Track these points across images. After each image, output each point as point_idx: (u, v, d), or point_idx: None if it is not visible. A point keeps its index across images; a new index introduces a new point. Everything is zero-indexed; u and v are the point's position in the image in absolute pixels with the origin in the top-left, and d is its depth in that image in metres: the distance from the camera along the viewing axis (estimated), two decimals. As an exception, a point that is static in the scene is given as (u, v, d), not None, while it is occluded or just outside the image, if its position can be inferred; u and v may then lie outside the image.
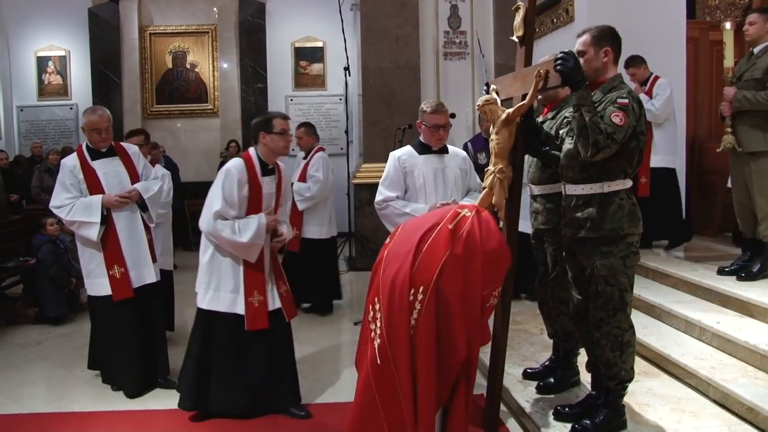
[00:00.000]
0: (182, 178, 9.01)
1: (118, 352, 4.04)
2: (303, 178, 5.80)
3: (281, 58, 10.67)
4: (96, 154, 4.06)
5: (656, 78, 5.70)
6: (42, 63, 10.64)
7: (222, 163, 9.46)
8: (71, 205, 3.94)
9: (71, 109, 10.64)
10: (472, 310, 2.73)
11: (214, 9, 10.49)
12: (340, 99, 10.34)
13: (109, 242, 3.96)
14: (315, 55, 10.76)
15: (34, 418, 3.74)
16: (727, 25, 4.51)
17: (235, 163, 3.56)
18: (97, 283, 3.99)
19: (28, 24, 10.49)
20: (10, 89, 10.57)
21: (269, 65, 10.49)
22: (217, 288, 3.54)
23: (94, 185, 4.00)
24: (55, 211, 4.05)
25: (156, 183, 4.22)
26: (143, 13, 10.41)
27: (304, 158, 5.94)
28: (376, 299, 2.79)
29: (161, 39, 10.51)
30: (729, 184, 4.94)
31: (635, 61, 5.66)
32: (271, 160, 3.65)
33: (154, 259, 4.12)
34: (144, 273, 4.05)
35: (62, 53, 10.65)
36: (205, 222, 3.49)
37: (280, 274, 3.75)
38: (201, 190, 5.57)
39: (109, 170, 4.06)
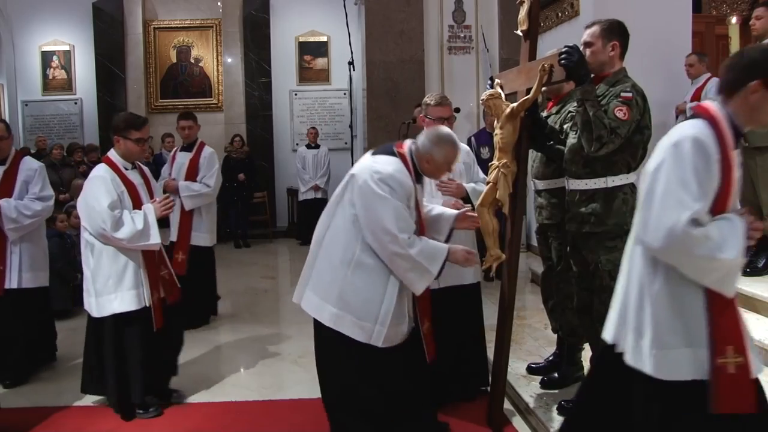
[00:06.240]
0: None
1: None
2: None
3: (285, 53, 10.67)
4: None
5: (711, 77, 5.52)
6: (46, 58, 10.66)
7: (226, 158, 9.55)
8: None
9: (75, 103, 10.66)
10: None
11: (218, 3, 10.48)
12: (345, 93, 10.32)
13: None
14: (319, 49, 10.76)
15: (38, 412, 3.74)
16: (733, 19, 4.49)
17: None
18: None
19: (33, 19, 10.50)
20: (15, 84, 10.58)
21: (273, 60, 10.49)
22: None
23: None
24: None
25: None
26: (147, 7, 10.41)
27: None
28: None
29: (165, 33, 10.51)
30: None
31: (699, 56, 5.56)
32: None
33: None
34: None
35: (67, 48, 10.66)
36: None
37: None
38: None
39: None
